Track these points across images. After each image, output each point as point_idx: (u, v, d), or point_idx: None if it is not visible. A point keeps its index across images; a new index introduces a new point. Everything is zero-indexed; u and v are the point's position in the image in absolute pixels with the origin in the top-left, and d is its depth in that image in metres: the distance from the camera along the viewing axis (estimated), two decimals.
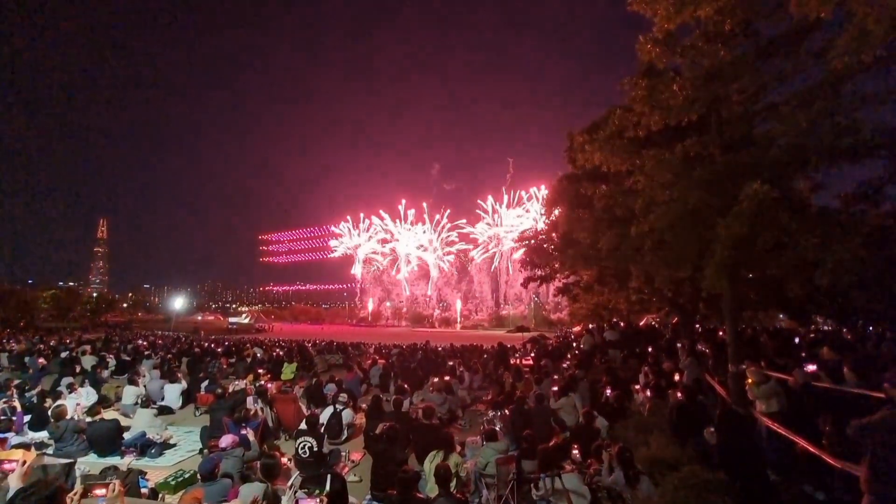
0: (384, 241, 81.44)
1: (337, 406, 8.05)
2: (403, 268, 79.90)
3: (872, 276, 6.88)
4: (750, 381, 5.97)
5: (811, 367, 5.31)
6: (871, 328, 14.89)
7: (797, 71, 6.25)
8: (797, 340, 11.75)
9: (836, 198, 10.21)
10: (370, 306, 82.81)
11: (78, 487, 2.82)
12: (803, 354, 7.84)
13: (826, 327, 20.53)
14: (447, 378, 10.20)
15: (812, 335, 14.68)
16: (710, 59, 6.27)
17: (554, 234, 13.10)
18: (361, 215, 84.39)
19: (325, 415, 7.87)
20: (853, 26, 4.59)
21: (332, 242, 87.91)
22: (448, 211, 77.93)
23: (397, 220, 79.82)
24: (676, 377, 8.44)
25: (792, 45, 6.42)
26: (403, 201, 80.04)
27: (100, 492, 2.78)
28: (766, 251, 5.85)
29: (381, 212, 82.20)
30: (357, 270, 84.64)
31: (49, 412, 7.30)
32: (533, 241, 14.30)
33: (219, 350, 20.62)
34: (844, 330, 15.33)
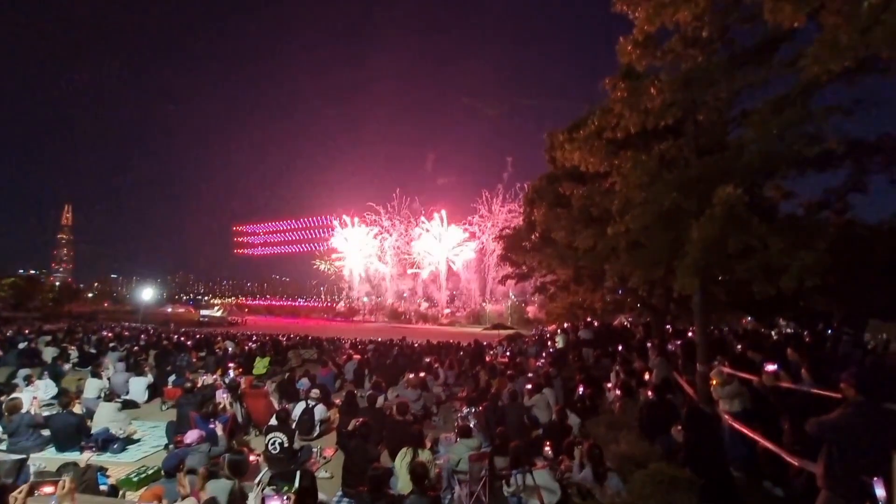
0: (377, 235, 79.77)
1: (309, 402, 7.93)
2: (389, 260, 78.86)
3: (833, 281, 7.16)
4: (714, 381, 6.13)
5: (771, 367, 5.49)
6: (829, 330, 15.56)
7: (769, 80, 6.44)
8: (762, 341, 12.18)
9: (800, 206, 10.60)
10: (354, 283, 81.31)
11: (23, 485, 2.68)
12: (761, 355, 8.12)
13: (788, 329, 21.37)
14: (422, 374, 10.17)
15: (776, 337, 15.29)
16: (687, 64, 6.40)
17: (534, 235, 13.22)
18: (356, 218, 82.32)
19: (297, 410, 7.75)
20: (824, 37, 4.74)
21: (333, 239, 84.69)
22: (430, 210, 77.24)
23: (386, 217, 78.46)
24: (647, 376, 8.63)
25: (765, 54, 6.61)
26: (397, 190, 79.41)
27: (48, 489, 2.63)
28: (735, 254, 6.02)
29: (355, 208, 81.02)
30: (351, 265, 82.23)
31: (3, 406, 6.96)
32: (506, 232, 14.42)
33: (189, 343, 20.07)
34: (805, 332, 15.99)
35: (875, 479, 3.15)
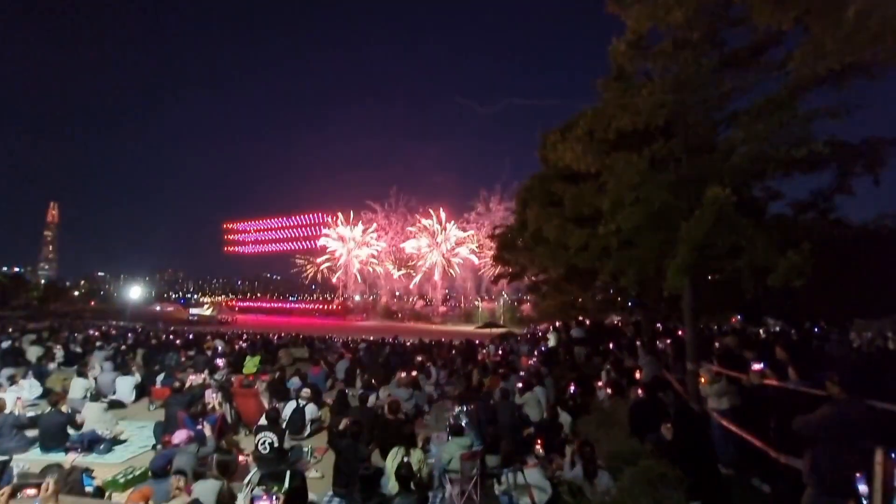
0: (373, 232, 78.35)
1: (300, 401, 7.88)
2: (385, 258, 77.93)
3: (819, 281, 7.28)
4: (703, 379, 6.21)
5: (758, 366, 5.57)
6: (816, 329, 15.83)
7: (758, 82, 6.52)
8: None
9: (788, 205, 10.73)
10: (349, 281, 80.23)
11: (5, 487, 2.62)
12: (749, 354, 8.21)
13: (776, 328, 21.70)
14: (414, 373, 10.16)
15: (765, 336, 15.52)
16: (678, 66, 6.45)
17: (525, 235, 13.26)
18: (351, 212, 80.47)
19: (287, 410, 7.70)
20: (810, 41, 4.81)
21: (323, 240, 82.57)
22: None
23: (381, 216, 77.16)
24: (638, 375, 8.70)
25: (754, 58, 6.69)
26: (394, 187, 78.21)
27: (31, 492, 2.58)
28: (724, 254, 6.09)
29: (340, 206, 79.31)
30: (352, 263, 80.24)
31: None
32: (498, 231, 14.49)
33: (178, 342, 19.86)
34: (792, 331, 16.24)
35: (858, 474, 3.21)
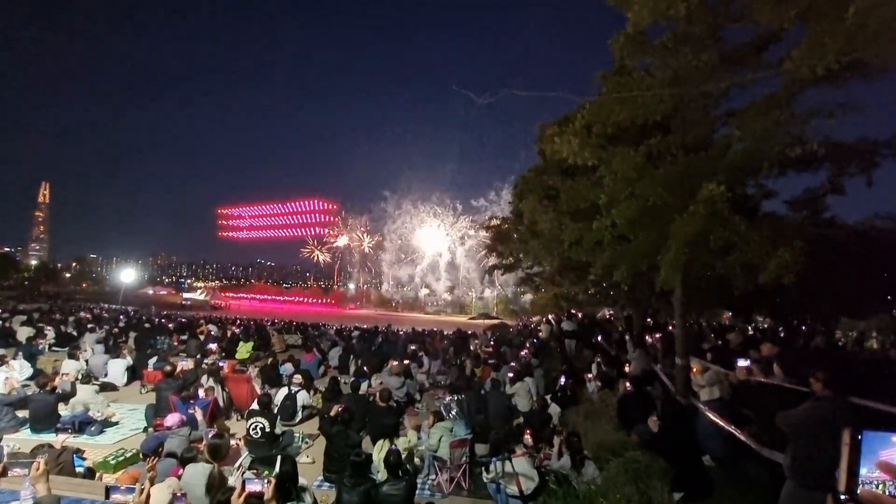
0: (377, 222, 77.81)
1: (292, 387, 7.92)
2: (389, 247, 77.61)
3: (809, 279, 7.38)
4: (695, 369, 6.31)
5: (743, 363, 5.66)
6: (803, 327, 16.05)
7: (756, 80, 6.51)
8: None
9: (785, 202, 10.84)
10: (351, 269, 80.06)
11: None
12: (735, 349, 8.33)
13: (764, 325, 21.99)
14: (406, 362, 10.22)
15: (753, 332, 15.73)
16: (678, 62, 6.42)
17: (520, 227, 13.28)
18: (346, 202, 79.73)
19: (279, 396, 7.74)
20: (809, 39, 4.80)
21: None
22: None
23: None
24: (627, 368, 8.81)
25: (753, 55, 6.66)
26: (402, 176, 77.72)
27: (21, 471, 2.58)
28: (716, 250, 6.13)
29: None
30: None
31: None
32: (494, 224, 14.52)
33: (170, 326, 19.81)
34: (780, 328, 16.47)
35: (837, 470, 3.28)
